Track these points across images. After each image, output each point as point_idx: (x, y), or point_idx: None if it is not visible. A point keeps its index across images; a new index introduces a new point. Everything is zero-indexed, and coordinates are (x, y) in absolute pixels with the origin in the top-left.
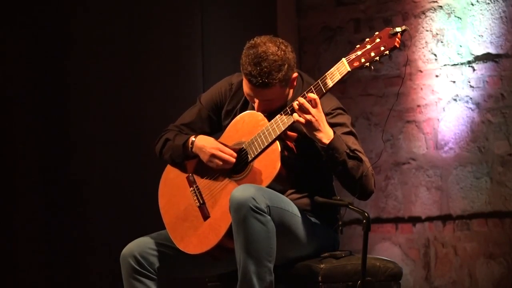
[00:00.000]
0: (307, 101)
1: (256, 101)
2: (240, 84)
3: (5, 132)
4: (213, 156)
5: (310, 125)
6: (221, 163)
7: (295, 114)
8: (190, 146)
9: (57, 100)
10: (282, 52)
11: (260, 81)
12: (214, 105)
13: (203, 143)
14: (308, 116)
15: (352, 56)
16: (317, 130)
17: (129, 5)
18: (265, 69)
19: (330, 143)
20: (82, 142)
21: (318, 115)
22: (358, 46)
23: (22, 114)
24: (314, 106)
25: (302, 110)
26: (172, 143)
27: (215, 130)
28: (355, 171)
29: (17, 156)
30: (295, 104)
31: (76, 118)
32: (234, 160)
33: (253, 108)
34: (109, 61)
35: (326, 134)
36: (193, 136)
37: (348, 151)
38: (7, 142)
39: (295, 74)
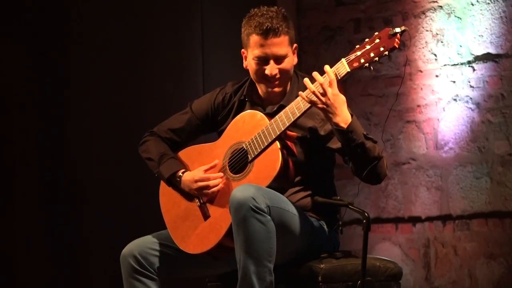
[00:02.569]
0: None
1: (270, 64)
2: (235, 92)
3: (5, 132)
4: (201, 188)
5: (327, 110)
6: (210, 191)
7: (312, 96)
8: (177, 179)
9: (57, 100)
10: (284, 12)
11: (270, 25)
12: (205, 115)
13: (187, 178)
14: (324, 99)
15: (352, 56)
16: (334, 114)
17: (129, 4)
18: (272, 17)
19: (348, 125)
20: (81, 142)
21: (334, 98)
22: (357, 46)
23: (22, 114)
24: (331, 86)
25: (319, 94)
26: (157, 166)
27: (200, 136)
28: (372, 152)
29: (17, 156)
30: (308, 90)
31: (76, 118)
32: (221, 180)
33: (250, 109)
34: (109, 61)
35: (343, 118)
36: (181, 171)
37: (365, 132)
38: (7, 142)
39: (295, 45)
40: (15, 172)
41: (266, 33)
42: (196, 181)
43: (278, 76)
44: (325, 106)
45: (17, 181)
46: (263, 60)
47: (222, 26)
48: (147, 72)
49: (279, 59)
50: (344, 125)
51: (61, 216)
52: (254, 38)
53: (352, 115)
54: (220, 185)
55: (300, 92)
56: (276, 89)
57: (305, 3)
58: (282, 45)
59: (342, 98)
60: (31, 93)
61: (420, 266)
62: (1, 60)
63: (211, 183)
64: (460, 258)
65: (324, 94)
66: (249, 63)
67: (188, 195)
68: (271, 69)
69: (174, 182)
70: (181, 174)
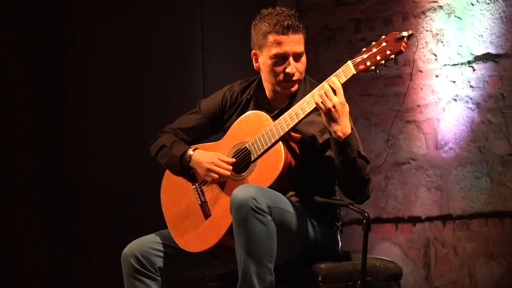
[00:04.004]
0: (331, 89)
1: (290, 63)
2: (242, 91)
3: (5, 132)
4: (209, 170)
5: (329, 114)
6: (216, 176)
7: (318, 98)
8: (187, 159)
9: (56, 99)
10: (296, 14)
11: (290, 23)
12: (213, 114)
13: (199, 157)
14: (329, 104)
15: (358, 59)
16: (335, 121)
17: (129, 4)
18: (290, 15)
19: (346, 137)
20: (82, 142)
21: (339, 106)
22: (364, 49)
23: (22, 114)
24: (337, 94)
25: (325, 97)
26: (169, 151)
27: (209, 136)
28: (361, 171)
29: (17, 156)
30: (318, 89)
31: (76, 118)
32: (229, 173)
33: (255, 109)
34: (109, 61)
35: (342, 128)
36: (191, 149)
37: (360, 149)
38: (7, 142)
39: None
40: (15, 172)
41: (287, 30)
42: (211, 161)
43: (296, 74)
44: (328, 111)
45: (17, 181)
46: (282, 58)
47: (222, 26)
48: (147, 72)
49: (298, 57)
50: (342, 135)
51: (62, 216)
52: (273, 37)
53: (352, 128)
54: (228, 172)
55: (314, 92)
56: (293, 89)
57: (305, 3)
58: (300, 42)
59: (347, 108)
60: (31, 93)
61: (420, 266)
62: (1, 60)
63: (221, 170)
64: (460, 258)
65: (330, 99)
66: (264, 64)
67: (189, 194)
68: (292, 67)
69: (184, 163)
70: (192, 152)
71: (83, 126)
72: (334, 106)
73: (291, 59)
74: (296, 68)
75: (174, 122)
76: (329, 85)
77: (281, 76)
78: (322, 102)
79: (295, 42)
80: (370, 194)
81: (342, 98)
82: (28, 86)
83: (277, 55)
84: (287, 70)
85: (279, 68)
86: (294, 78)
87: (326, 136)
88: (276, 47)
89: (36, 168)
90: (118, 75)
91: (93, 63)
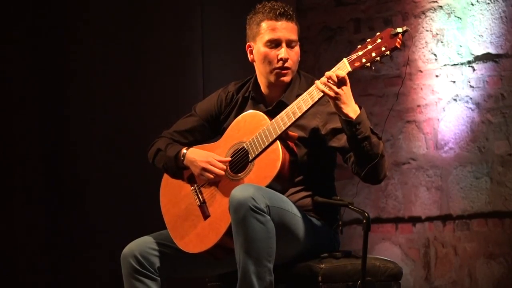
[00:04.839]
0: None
1: (283, 48)
2: (237, 91)
3: (5, 131)
4: (204, 169)
5: (338, 99)
6: (212, 176)
7: (324, 87)
8: (181, 158)
9: (57, 100)
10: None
11: (283, 10)
12: (209, 115)
13: (194, 156)
14: (337, 90)
15: (353, 56)
16: (345, 104)
17: (129, 5)
18: (283, 6)
19: (357, 117)
20: (82, 142)
21: (346, 90)
22: (359, 46)
23: (22, 113)
24: (342, 81)
25: (331, 83)
26: (164, 153)
27: (208, 138)
28: (376, 148)
29: (17, 156)
30: (323, 79)
31: (76, 118)
32: (223, 173)
33: (253, 106)
34: (109, 61)
35: (352, 109)
36: (185, 148)
37: (371, 127)
38: (7, 141)
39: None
40: (15, 173)
41: (280, 16)
42: (207, 161)
43: (289, 62)
44: (337, 95)
45: (17, 181)
46: (275, 44)
47: (222, 26)
48: (147, 72)
49: (291, 44)
50: (353, 115)
51: (61, 215)
52: (267, 23)
53: (361, 107)
54: (222, 172)
55: (316, 81)
56: (286, 78)
57: (305, 3)
58: (293, 31)
59: (351, 93)
60: (31, 92)
61: (420, 266)
62: (1, 60)
63: (216, 170)
64: (460, 258)
65: (336, 85)
66: (258, 52)
67: (188, 195)
68: (285, 53)
69: (179, 162)
70: (185, 151)
71: (83, 126)
72: (342, 89)
73: (284, 45)
74: (289, 55)
75: (172, 126)
76: (331, 74)
77: (274, 62)
78: (328, 89)
79: (288, 29)
80: (387, 172)
81: (348, 84)
82: (28, 86)
83: (271, 41)
84: (281, 55)
85: (272, 55)
86: (287, 65)
87: (329, 126)
88: (270, 33)
89: (36, 168)
90: (118, 75)
91: (93, 63)
